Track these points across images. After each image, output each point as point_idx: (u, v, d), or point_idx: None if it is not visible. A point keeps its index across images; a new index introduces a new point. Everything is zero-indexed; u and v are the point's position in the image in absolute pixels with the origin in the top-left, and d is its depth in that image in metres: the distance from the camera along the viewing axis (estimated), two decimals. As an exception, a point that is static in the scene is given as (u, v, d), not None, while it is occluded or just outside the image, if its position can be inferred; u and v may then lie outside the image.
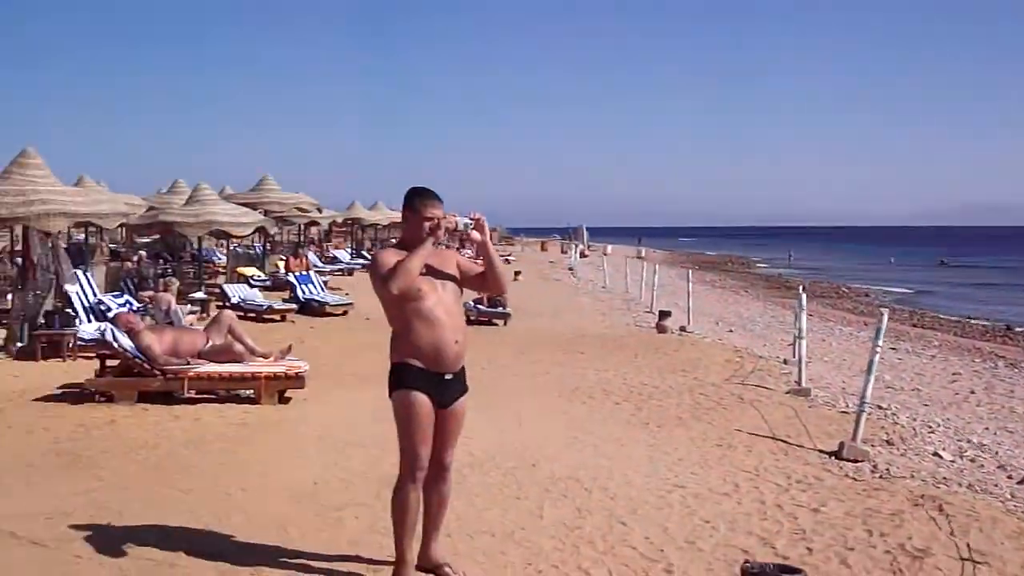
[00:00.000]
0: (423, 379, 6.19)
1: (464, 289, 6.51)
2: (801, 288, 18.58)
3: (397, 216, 60.56)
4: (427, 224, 6.22)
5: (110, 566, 6.78)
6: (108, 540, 7.26)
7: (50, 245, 18.48)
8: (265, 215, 29.96)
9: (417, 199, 6.31)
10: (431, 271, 6.23)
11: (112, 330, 12.84)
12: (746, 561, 6.81)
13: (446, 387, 6.28)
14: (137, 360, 12.62)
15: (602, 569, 6.91)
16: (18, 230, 23.50)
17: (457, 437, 6.52)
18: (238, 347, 13.06)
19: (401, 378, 6.23)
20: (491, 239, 6.50)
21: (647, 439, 11.06)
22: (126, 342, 12.66)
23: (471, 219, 6.32)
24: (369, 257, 50.65)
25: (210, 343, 13.13)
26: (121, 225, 26.10)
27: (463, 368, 6.40)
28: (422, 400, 6.19)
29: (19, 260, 22.46)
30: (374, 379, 14.39)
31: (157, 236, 36.07)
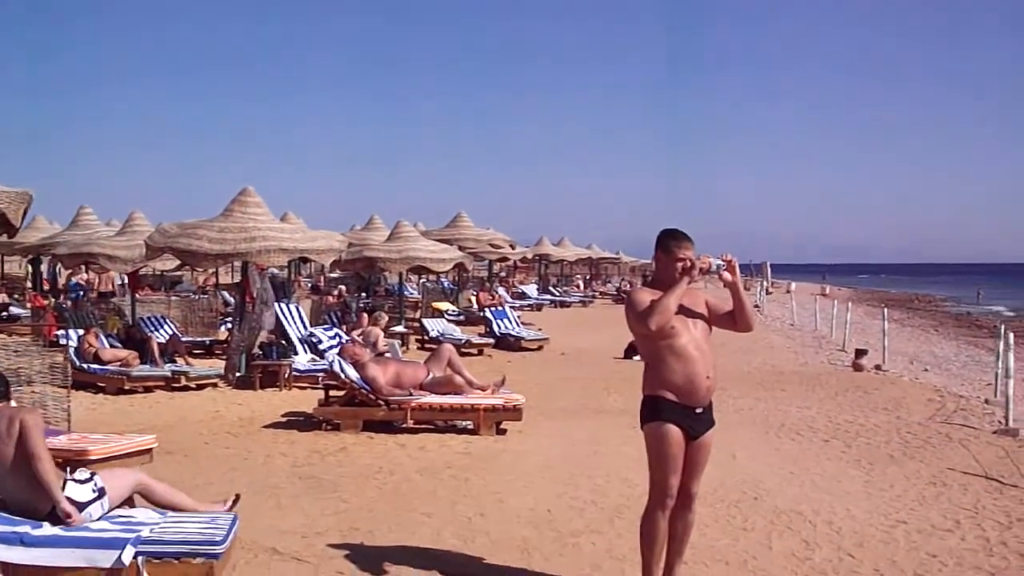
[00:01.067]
0: (676, 412, 6.52)
1: (713, 327, 6.81)
2: (1003, 327, 18.31)
3: (584, 252, 61.21)
4: (679, 264, 6.56)
5: (369, 582, 7.29)
6: (364, 558, 7.77)
7: (267, 279, 19.44)
8: (460, 251, 30.68)
9: (671, 241, 6.65)
10: (683, 310, 6.56)
11: (339, 361, 13.50)
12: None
13: (697, 420, 6.59)
14: (362, 391, 13.24)
15: (838, 599, 7.11)
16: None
17: (704, 468, 6.82)
18: (458, 379, 13.59)
19: (655, 410, 6.56)
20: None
21: (862, 476, 11.15)
22: (352, 373, 13.29)
23: (723, 261, 6.64)
24: (557, 293, 51.29)
25: (431, 375, 13.68)
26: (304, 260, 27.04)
27: (711, 402, 6.71)
28: (674, 432, 6.51)
29: (222, 294, 23.69)
30: (582, 413, 14.91)
31: (349, 272, 37.28)
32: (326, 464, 11.34)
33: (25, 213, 10.47)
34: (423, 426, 13.33)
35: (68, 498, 7.01)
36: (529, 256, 53.18)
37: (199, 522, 7.07)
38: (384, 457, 11.69)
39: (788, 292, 64.42)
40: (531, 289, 49.67)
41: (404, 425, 13.23)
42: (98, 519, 7.07)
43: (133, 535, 6.64)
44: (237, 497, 7.49)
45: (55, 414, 11.63)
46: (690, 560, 7.50)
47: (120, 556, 6.48)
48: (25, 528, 6.77)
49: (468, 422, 13.25)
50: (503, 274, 46.87)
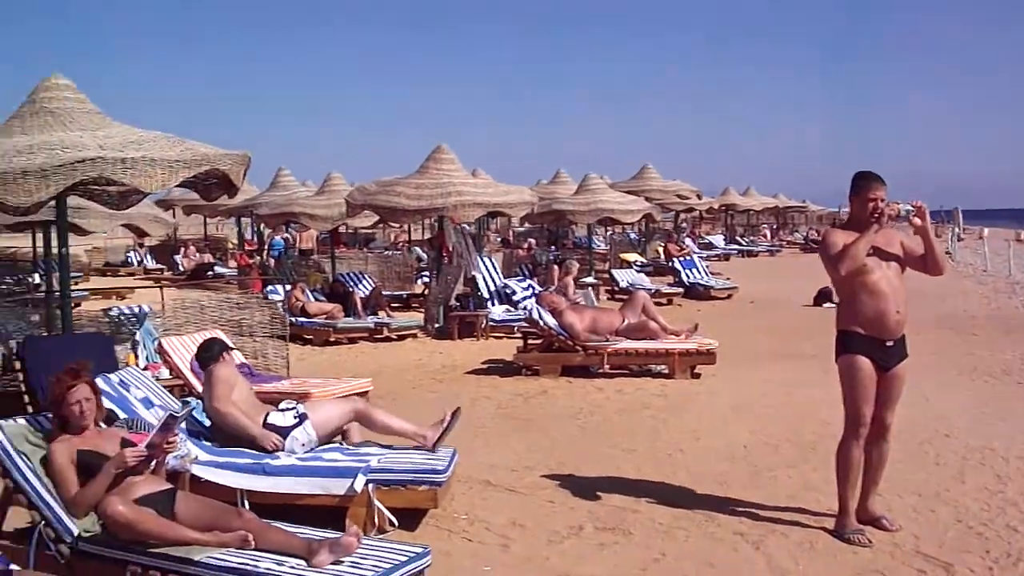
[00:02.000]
0: (866, 345, 6.84)
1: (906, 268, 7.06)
2: None
3: (770, 201, 60.63)
4: (871, 206, 6.82)
5: (580, 509, 7.78)
6: (573, 489, 8.28)
7: (462, 234, 20.10)
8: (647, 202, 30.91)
9: (863, 182, 6.93)
10: (876, 249, 6.84)
11: (538, 309, 14.01)
12: None
13: (888, 352, 6.89)
14: (560, 337, 13.74)
15: (1032, 529, 7.29)
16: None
17: (897, 400, 7.11)
18: (653, 325, 13.99)
19: (847, 344, 6.90)
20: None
21: (1059, 417, 11.15)
22: (550, 320, 13.79)
23: (912, 207, 6.88)
24: (744, 242, 51.04)
25: (626, 322, 14.10)
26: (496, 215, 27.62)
27: (904, 336, 6.98)
28: (865, 364, 6.84)
29: (415, 249, 24.48)
30: (773, 358, 15.14)
31: (536, 225, 37.90)
32: (529, 406, 11.90)
33: (244, 174, 11.23)
34: (619, 371, 13.77)
35: (270, 424, 7.68)
36: (716, 206, 52.99)
37: (422, 454, 7.63)
38: (583, 399, 12.19)
39: (980, 238, 62.66)
40: (718, 239, 49.58)
41: (600, 370, 13.69)
42: (331, 451, 7.71)
43: (364, 464, 7.25)
44: (457, 410, 7.91)
45: (275, 362, 12.46)
46: (884, 491, 7.75)
47: (352, 484, 7.10)
48: (266, 460, 7.45)
49: (663, 366, 13.64)
50: (683, 225, 46.73)
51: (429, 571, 5.84)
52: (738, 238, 53.67)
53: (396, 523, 7.03)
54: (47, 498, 6.07)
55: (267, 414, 7.94)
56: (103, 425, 6.51)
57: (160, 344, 11.10)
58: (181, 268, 32.87)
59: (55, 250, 12.08)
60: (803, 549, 6.85)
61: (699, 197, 40.62)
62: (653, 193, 33.74)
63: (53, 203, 10.86)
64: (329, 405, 8.21)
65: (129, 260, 37.65)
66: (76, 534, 5.95)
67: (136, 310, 12.42)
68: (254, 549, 5.67)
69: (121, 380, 7.98)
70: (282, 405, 8.05)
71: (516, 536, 7.24)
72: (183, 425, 6.84)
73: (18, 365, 10.12)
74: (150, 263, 36.52)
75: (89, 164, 9.51)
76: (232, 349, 8.76)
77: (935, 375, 13.54)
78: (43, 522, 6.03)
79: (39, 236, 26.33)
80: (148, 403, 7.87)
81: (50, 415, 6.44)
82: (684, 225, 48.04)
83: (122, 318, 12.32)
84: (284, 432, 7.77)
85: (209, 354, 8.51)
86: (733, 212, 56.41)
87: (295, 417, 7.83)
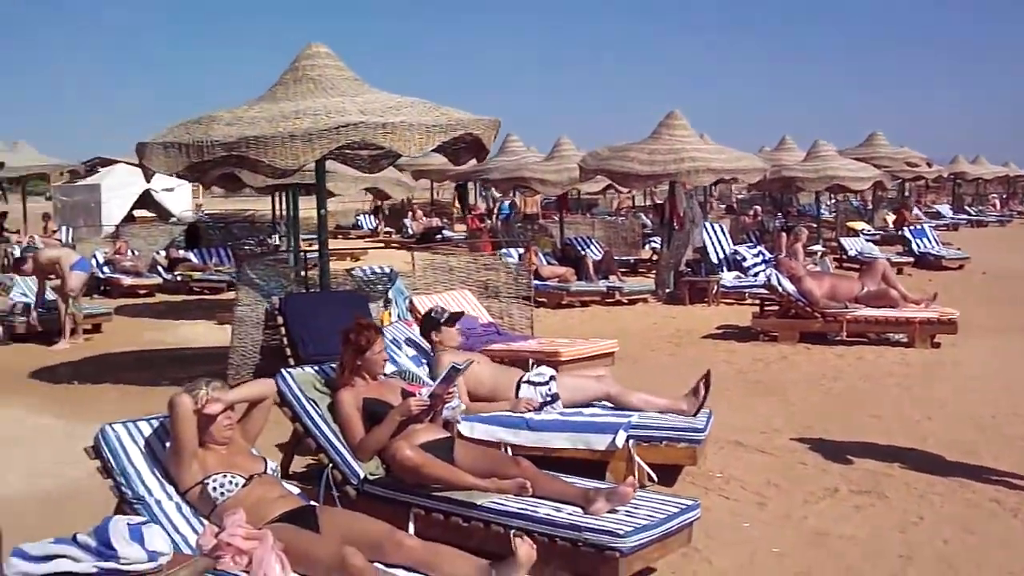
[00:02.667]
0: None
1: None
2: None
3: (1001, 170, 58.51)
4: None
5: (832, 472, 7.88)
6: (823, 452, 8.38)
7: (694, 199, 20.16)
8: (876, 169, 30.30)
9: None
10: None
11: (776, 275, 14.03)
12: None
13: None
14: (799, 303, 13.74)
15: None
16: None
17: None
18: (893, 293, 13.86)
19: None
20: None
21: None
22: (788, 286, 13.79)
23: None
24: (973, 212, 49.48)
25: (865, 289, 14.00)
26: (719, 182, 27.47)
27: None
28: None
29: (640, 215, 24.61)
30: (1015, 328, 14.79)
31: (759, 193, 37.52)
32: (769, 371, 11.99)
33: (494, 138, 11.57)
34: (856, 338, 13.66)
35: (524, 399, 7.84)
36: (944, 175, 51.45)
37: (677, 416, 7.79)
38: (824, 365, 12.21)
39: None
40: (944, 209, 48.16)
41: (839, 337, 13.63)
42: (592, 406, 7.95)
43: (625, 421, 7.48)
44: (708, 375, 8.01)
45: (520, 322, 12.82)
46: None
47: (614, 439, 7.34)
48: (530, 414, 7.73)
49: (902, 335, 13.51)
50: (907, 195, 45.48)
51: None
52: (966, 207, 52.01)
53: (655, 478, 7.24)
54: (334, 442, 6.51)
55: (519, 383, 8.09)
56: (383, 376, 6.91)
57: (411, 302, 11.54)
58: (411, 231, 33.74)
59: (308, 211, 12.62)
60: (1066, 519, 6.81)
61: (928, 165, 39.57)
62: (882, 160, 32.98)
63: (305, 167, 11.45)
64: (581, 383, 8.22)
65: (359, 223, 38.86)
66: (362, 477, 6.36)
67: (385, 270, 12.89)
68: (531, 496, 5.97)
69: (393, 337, 8.41)
70: (536, 375, 8.13)
71: (772, 495, 7.39)
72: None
73: (280, 320, 10.74)
74: (377, 226, 37.62)
75: (352, 129, 9.99)
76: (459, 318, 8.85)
77: None
78: (330, 465, 6.46)
79: (278, 199, 27.73)
80: (418, 361, 8.29)
81: (333, 365, 6.87)
82: (909, 195, 46.84)
83: (370, 277, 12.82)
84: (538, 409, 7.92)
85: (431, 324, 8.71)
86: (961, 181, 54.68)
87: (546, 396, 7.94)
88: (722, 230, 21.21)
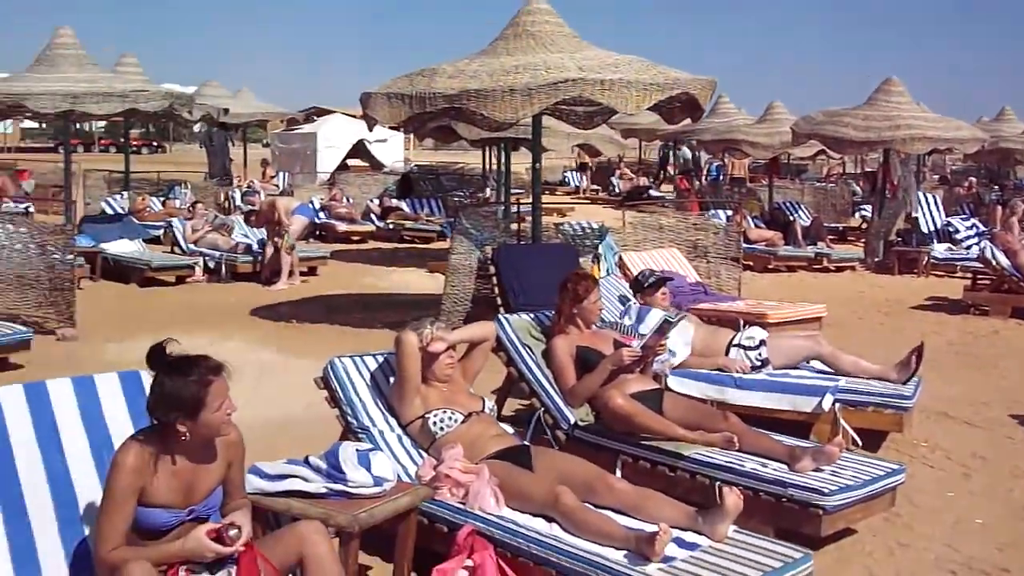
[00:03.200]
0: None
1: None
2: None
3: None
4: None
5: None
6: (1034, 429, 8.26)
7: (909, 168, 19.79)
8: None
9: None
10: None
11: (991, 248, 13.73)
12: None
13: None
14: (1013, 278, 13.43)
15: None
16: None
17: None
18: (1116, 270, 13.43)
19: None
20: None
21: None
22: (1003, 260, 13.48)
23: None
24: None
25: (1086, 266, 13.60)
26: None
27: None
28: None
29: (850, 183, 24.21)
30: None
31: (972, 164, 36.42)
32: (980, 344, 11.81)
33: (709, 98, 11.62)
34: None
35: (738, 361, 7.90)
36: None
37: (885, 383, 7.78)
38: (1038, 342, 11.97)
39: None
40: None
41: (1056, 315, 13.30)
42: (800, 368, 8.01)
43: (832, 384, 7.52)
44: (921, 345, 7.93)
45: (727, 283, 12.89)
46: None
47: (820, 402, 7.39)
48: (738, 373, 7.83)
49: (1125, 315, 13.10)
50: None
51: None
52: None
53: (860, 443, 7.26)
54: (547, 387, 6.75)
55: (729, 345, 8.20)
56: (596, 326, 7.11)
57: (620, 258, 11.70)
58: (617, 189, 33.88)
59: (517, 166, 12.86)
60: None
61: None
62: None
63: (521, 121, 11.71)
64: (793, 343, 8.26)
65: (566, 180, 39.17)
66: (572, 422, 6.58)
67: (594, 226, 13.09)
68: (738, 451, 6.10)
69: (605, 290, 8.60)
70: (747, 338, 8.23)
71: (977, 467, 7.35)
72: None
73: (491, 270, 11.04)
74: (582, 183, 37.89)
75: (571, 84, 10.21)
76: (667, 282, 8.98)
77: None
78: (542, 409, 6.70)
79: (489, 152, 28.21)
80: (628, 315, 8.46)
81: (548, 313, 7.10)
82: None
83: (580, 232, 13.03)
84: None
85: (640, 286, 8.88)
86: None
87: (758, 360, 8.03)
88: (935, 200, 20.72)
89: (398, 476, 5.16)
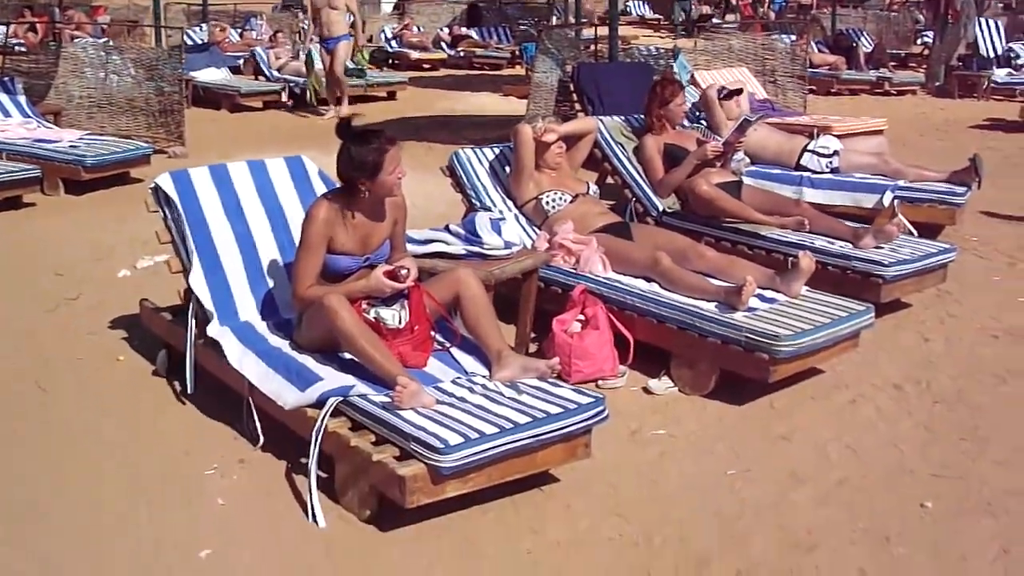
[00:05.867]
0: None
1: None
2: None
3: None
4: None
5: None
6: None
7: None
8: None
9: None
10: None
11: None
12: None
13: None
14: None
15: None
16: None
17: None
18: None
19: None
20: None
21: None
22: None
23: None
24: None
25: None
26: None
27: None
28: None
29: (912, 11, 24.43)
30: None
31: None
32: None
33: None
34: None
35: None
36: None
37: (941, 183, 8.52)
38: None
39: None
40: None
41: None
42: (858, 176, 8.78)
43: (892, 183, 8.30)
44: (975, 155, 8.59)
45: (794, 100, 13.56)
46: None
47: (881, 198, 8.19)
48: (807, 174, 8.63)
49: None
50: None
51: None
52: None
53: (916, 233, 8.01)
54: (637, 179, 7.61)
55: (803, 150, 8.95)
56: (681, 127, 7.91)
57: (693, 76, 12.36)
58: (680, 18, 34.05)
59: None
60: None
61: None
62: None
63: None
64: (863, 159, 8.90)
65: (628, 9, 39.26)
66: (661, 209, 7.44)
67: (667, 46, 13.67)
68: (808, 231, 6.95)
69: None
70: (820, 147, 8.89)
71: (1021, 257, 8.15)
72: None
73: (572, 87, 11.78)
74: (648, 13, 38.03)
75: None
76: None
77: None
78: (633, 199, 7.56)
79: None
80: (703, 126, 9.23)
81: (642, 116, 7.88)
82: None
83: (654, 52, 13.64)
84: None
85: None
86: None
87: (828, 167, 8.79)
88: (997, 26, 21.04)
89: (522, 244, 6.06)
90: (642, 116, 7.85)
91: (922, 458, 4.83)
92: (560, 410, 4.18)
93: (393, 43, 24.08)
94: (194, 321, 5.16)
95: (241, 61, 19.32)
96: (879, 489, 4.54)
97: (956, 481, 4.60)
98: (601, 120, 7.93)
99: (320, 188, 5.55)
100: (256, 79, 18.22)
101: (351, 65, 16.07)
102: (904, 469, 4.73)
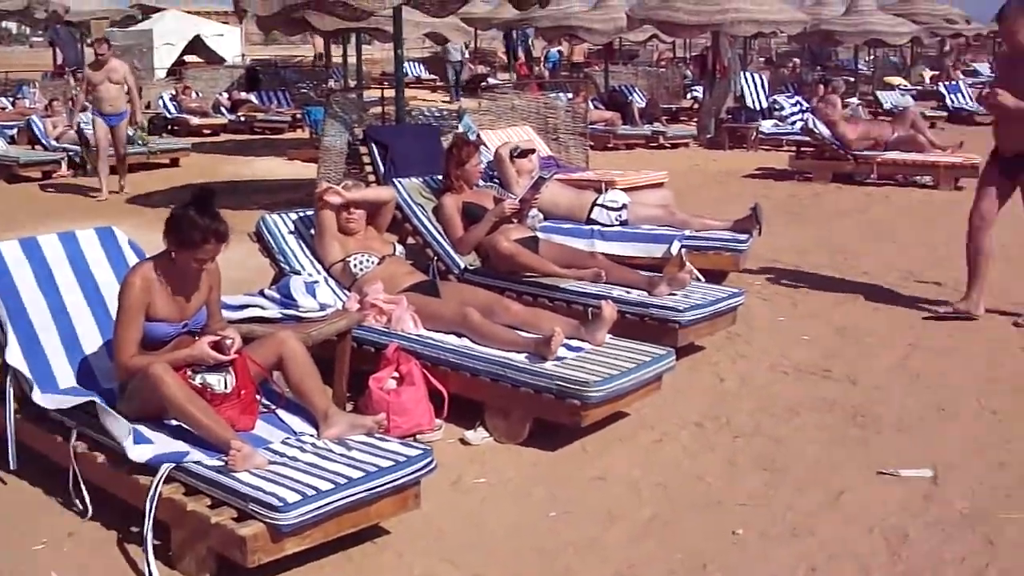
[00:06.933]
0: None
1: None
2: None
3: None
4: None
5: (855, 282, 9.15)
6: (848, 267, 9.66)
7: (735, 49, 21.10)
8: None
9: None
10: None
11: (813, 120, 15.12)
12: None
13: None
14: (833, 146, 14.84)
15: None
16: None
17: None
18: (921, 139, 14.92)
19: None
20: None
21: None
22: (824, 130, 14.87)
23: None
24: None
25: (896, 134, 15.05)
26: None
27: None
28: None
29: (679, 67, 25.47)
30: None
31: (796, 46, 38.14)
32: (803, 205, 13.19)
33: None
34: (885, 181, 14.76)
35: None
36: (984, 33, 51.45)
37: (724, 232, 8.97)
38: (854, 202, 13.41)
39: None
40: (983, 67, 48.34)
41: (870, 178, 14.73)
42: (650, 221, 9.15)
43: (679, 233, 8.69)
44: (756, 205, 9.09)
45: (576, 156, 14.01)
46: None
47: (669, 247, 8.55)
48: (599, 228, 8.95)
49: (928, 177, 14.58)
50: (946, 50, 45.63)
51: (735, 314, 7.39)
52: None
53: (703, 280, 8.40)
54: (439, 239, 7.78)
55: (592, 205, 9.25)
56: (478, 186, 8.13)
57: (479, 136, 12.66)
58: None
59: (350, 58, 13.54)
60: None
61: (967, 22, 39.88)
62: (921, 16, 33.51)
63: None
64: (650, 212, 9.24)
65: (405, 71, 39.64)
66: (462, 267, 7.63)
67: (452, 108, 14.00)
68: (605, 282, 7.24)
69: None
70: (609, 201, 9.24)
71: (803, 298, 8.67)
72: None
73: (363, 149, 11.92)
74: (424, 74, 38.49)
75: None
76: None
77: None
78: (435, 258, 7.72)
79: (333, 44, 28.67)
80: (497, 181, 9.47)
81: (439, 177, 8.07)
82: (950, 51, 47.08)
83: (436, 114, 13.92)
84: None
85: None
86: (1001, 41, 54.41)
87: (618, 220, 9.12)
88: (761, 80, 22.14)
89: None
90: (439, 176, 8.07)
91: (728, 489, 5.11)
92: (391, 463, 4.30)
93: (172, 108, 23.84)
94: (12, 394, 5.08)
95: (15, 130, 18.85)
96: (691, 521, 4.80)
97: (762, 508, 4.89)
98: (400, 182, 8.11)
99: (132, 258, 5.57)
100: (33, 148, 17.79)
101: (130, 132, 15.85)
102: (712, 501, 5.00)
